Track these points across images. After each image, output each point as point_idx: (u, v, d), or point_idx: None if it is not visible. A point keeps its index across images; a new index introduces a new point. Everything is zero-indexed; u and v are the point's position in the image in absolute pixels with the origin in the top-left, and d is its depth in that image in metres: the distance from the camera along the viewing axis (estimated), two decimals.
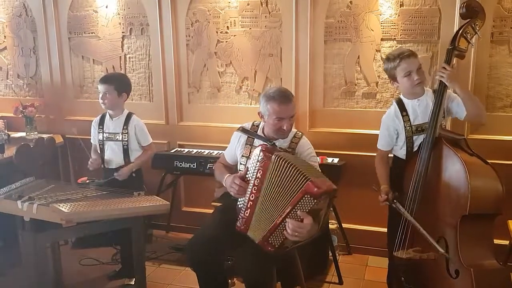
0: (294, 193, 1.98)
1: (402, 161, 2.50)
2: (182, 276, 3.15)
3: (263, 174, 2.09)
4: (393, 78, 2.46)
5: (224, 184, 2.33)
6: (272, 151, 2.12)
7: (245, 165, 2.35)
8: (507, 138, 3.01)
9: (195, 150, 3.54)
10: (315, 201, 1.94)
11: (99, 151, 3.07)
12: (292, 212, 1.98)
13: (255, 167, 2.13)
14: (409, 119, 2.45)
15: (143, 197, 2.51)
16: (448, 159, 2.17)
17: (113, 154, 3.01)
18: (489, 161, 2.20)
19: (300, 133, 2.43)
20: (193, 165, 3.37)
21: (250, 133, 2.44)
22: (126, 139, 2.99)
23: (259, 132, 2.44)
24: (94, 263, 3.35)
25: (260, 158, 2.11)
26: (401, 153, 2.52)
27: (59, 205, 2.21)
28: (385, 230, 2.66)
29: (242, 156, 2.42)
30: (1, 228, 3.10)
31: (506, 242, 2.69)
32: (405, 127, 2.46)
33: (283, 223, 2.01)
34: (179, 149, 3.67)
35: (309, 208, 1.96)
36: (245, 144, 2.43)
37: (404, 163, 2.45)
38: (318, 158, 3.16)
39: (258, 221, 2.13)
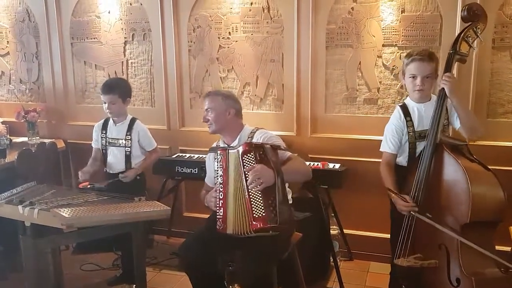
0: (240, 164, 2.15)
1: (402, 168, 2.49)
2: (182, 281, 3.13)
3: (224, 171, 2.24)
4: (403, 73, 2.47)
5: (206, 204, 2.41)
6: (228, 149, 2.30)
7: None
8: (509, 144, 3.00)
9: (196, 155, 3.54)
10: (252, 154, 2.13)
11: (101, 155, 3.08)
12: (247, 177, 2.11)
13: (218, 168, 2.27)
14: (413, 124, 2.43)
15: (144, 202, 2.51)
16: (449, 165, 2.16)
17: (115, 159, 3.02)
18: (490, 167, 2.19)
19: (256, 128, 2.53)
20: (195, 170, 3.37)
21: (215, 148, 2.52)
22: (129, 145, 3.00)
23: (221, 144, 2.58)
24: (95, 268, 3.34)
25: (219, 158, 2.28)
26: (402, 160, 2.50)
27: (60, 210, 2.21)
28: (387, 236, 2.65)
29: (215, 171, 2.47)
30: (2, 233, 3.10)
31: (508, 249, 2.67)
32: (408, 132, 2.43)
33: (250, 193, 2.12)
34: (180, 154, 3.67)
35: (254, 163, 2.12)
36: (213, 160, 2.50)
37: (405, 170, 2.44)
38: (319, 163, 3.19)
39: (235, 213, 2.19)
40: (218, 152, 2.29)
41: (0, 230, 2.99)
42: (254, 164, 2.13)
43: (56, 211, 2.20)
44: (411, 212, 2.21)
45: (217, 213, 2.25)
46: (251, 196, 2.12)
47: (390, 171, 2.46)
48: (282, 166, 2.21)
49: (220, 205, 2.23)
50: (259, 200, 2.10)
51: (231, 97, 2.57)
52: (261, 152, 2.14)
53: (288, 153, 2.37)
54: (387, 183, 2.41)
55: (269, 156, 2.15)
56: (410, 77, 2.38)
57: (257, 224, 2.09)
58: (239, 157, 2.16)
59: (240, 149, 2.17)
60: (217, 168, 2.28)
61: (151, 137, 3.10)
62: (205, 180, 2.67)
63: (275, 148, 2.23)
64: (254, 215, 2.11)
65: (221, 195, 2.24)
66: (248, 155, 2.14)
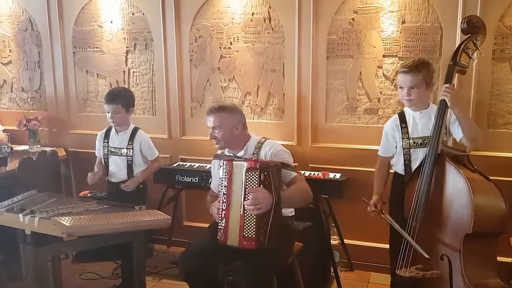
0: (242, 179, 2.15)
1: (401, 177, 2.51)
2: None
3: (229, 181, 2.21)
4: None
5: (210, 212, 2.42)
6: (234, 159, 2.31)
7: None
8: (509, 155, 3.00)
9: (197, 164, 3.54)
10: (257, 173, 2.09)
11: (103, 164, 3.08)
12: (246, 194, 2.11)
13: (223, 178, 2.25)
14: (407, 131, 2.48)
15: (145, 211, 2.50)
16: (451, 176, 2.17)
17: (117, 168, 3.03)
18: (490, 177, 2.19)
19: (264, 139, 2.51)
20: (195, 179, 3.37)
21: (220, 156, 2.54)
22: (131, 154, 3.01)
23: (226, 152, 2.56)
24: (94, 277, 3.33)
25: (224, 167, 2.24)
26: (400, 168, 2.53)
27: (61, 219, 2.20)
28: (387, 246, 2.64)
29: (220, 179, 2.48)
30: (2, 241, 3.09)
31: (509, 260, 2.67)
32: (402, 138, 2.50)
33: (245, 211, 2.12)
34: (181, 163, 3.67)
35: (256, 182, 2.10)
36: (218, 167, 2.52)
37: (405, 182, 2.44)
38: (320, 173, 3.20)
39: (232, 225, 2.19)
40: (224, 162, 2.27)
41: (0, 239, 2.99)
42: (256, 184, 2.11)
43: (56, 219, 2.19)
44: (376, 212, 2.50)
45: (219, 224, 2.24)
46: (245, 214, 2.12)
47: (378, 174, 2.65)
48: (285, 190, 2.23)
49: (222, 215, 2.22)
50: (252, 221, 2.11)
51: (236, 110, 2.51)
52: (265, 173, 2.11)
53: (293, 174, 2.34)
54: (374, 188, 2.61)
55: (272, 179, 2.12)
56: (400, 88, 2.48)
57: (244, 243, 2.13)
58: (243, 172, 2.14)
59: (246, 164, 2.14)
60: (222, 176, 2.27)
61: (153, 146, 3.11)
62: (211, 185, 2.67)
63: (280, 168, 2.22)
64: (244, 233, 2.13)
65: (224, 206, 2.22)
66: (252, 172, 2.12)
